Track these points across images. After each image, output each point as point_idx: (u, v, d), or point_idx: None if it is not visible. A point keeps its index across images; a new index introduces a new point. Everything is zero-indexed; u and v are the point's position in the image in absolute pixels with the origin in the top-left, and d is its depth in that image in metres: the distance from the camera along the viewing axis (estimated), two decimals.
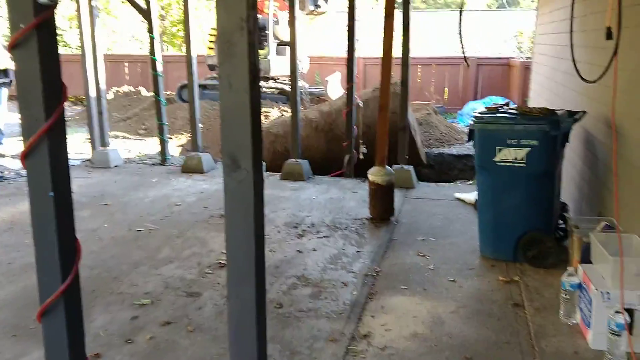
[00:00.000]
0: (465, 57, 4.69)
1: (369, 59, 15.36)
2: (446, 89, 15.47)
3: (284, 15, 12.40)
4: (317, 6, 12.20)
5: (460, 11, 4.39)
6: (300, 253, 4.31)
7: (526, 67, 12.41)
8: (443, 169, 9.68)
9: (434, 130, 11.11)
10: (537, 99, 8.44)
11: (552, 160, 3.87)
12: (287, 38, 7.45)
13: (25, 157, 1.60)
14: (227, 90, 1.57)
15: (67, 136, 1.66)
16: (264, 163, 5.56)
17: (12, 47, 1.58)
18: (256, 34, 1.58)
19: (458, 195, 5.85)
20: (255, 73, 1.59)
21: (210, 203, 5.67)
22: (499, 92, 14.48)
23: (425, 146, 10.42)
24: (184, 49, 7.51)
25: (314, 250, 4.37)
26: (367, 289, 3.66)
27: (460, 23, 4.40)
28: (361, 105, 7.11)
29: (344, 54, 6.94)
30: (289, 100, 8.45)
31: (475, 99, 14.76)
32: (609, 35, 3.01)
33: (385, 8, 4.95)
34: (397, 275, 3.89)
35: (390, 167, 5.30)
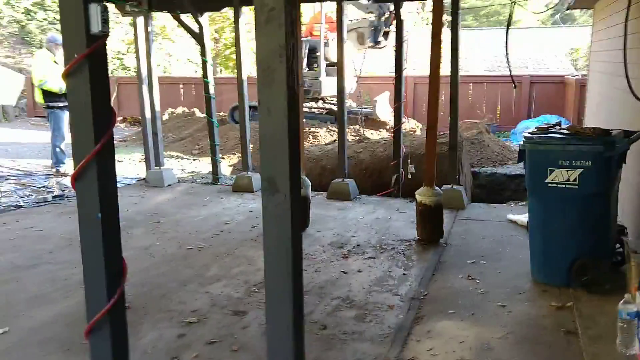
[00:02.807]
0: (512, 78, 4.58)
1: (419, 78, 15.30)
2: (499, 107, 15.19)
3: (335, 37, 12.53)
4: (377, 42, 11.87)
5: (507, 29, 4.30)
6: (345, 274, 4.29)
7: (582, 85, 12.05)
8: (495, 189, 9.45)
9: (485, 150, 10.90)
10: (593, 118, 8.17)
11: (607, 182, 3.72)
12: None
13: (75, 179, 1.68)
14: (266, 116, 1.60)
15: (115, 159, 1.73)
16: (310, 183, 5.63)
17: (66, 75, 1.67)
18: (295, 61, 1.61)
19: (510, 216, 5.70)
20: (294, 99, 1.61)
21: (258, 221, 5.67)
22: (553, 111, 14.12)
23: (477, 165, 10.22)
24: (236, 71, 7.70)
25: (359, 271, 4.35)
26: (413, 313, 3.59)
27: (507, 41, 4.32)
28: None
29: (393, 73, 6.96)
30: (337, 120, 8.48)
31: (529, 117, 14.43)
32: None
33: (433, 27, 4.94)
34: (445, 299, 3.81)
35: (440, 187, 5.23)
